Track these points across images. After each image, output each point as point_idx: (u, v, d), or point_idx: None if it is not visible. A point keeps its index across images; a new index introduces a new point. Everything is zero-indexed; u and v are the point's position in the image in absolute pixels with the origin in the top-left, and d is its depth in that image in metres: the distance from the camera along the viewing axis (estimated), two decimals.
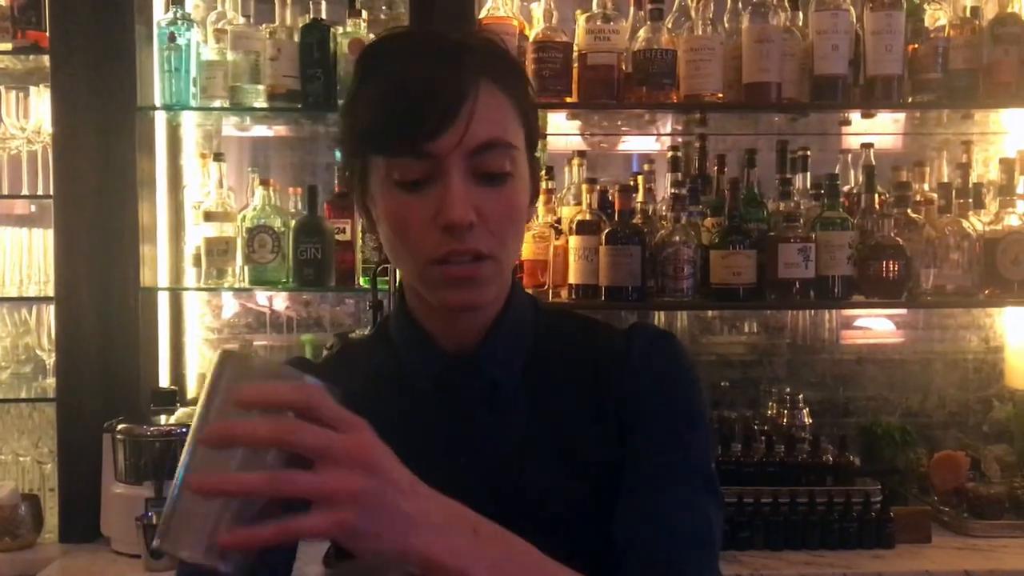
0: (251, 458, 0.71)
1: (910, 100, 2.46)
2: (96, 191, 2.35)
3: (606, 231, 2.38)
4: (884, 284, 2.39)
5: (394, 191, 0.96)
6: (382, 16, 2.68)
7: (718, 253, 2.39)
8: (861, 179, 2.56)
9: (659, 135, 2.85)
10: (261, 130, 2.83)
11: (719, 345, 2.88)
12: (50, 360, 2.49)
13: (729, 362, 2.85)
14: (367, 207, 1.04)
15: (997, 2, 2.47)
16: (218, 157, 2.53)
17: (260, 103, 2.47)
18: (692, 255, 2.38)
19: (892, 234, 2.39)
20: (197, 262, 2.54)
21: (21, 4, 2.40)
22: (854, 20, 2.41)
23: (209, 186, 2.55)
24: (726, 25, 2.47)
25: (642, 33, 2.40)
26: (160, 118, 2.55)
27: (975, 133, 2.74)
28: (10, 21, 2.41)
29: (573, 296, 2.43)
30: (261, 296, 2.82)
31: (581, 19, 2.43)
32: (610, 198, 2.48)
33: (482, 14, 2.41)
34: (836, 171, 2.57)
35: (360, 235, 2.49)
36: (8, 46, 2.42)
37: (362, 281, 2.48)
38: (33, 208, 2.73)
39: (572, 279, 2.43)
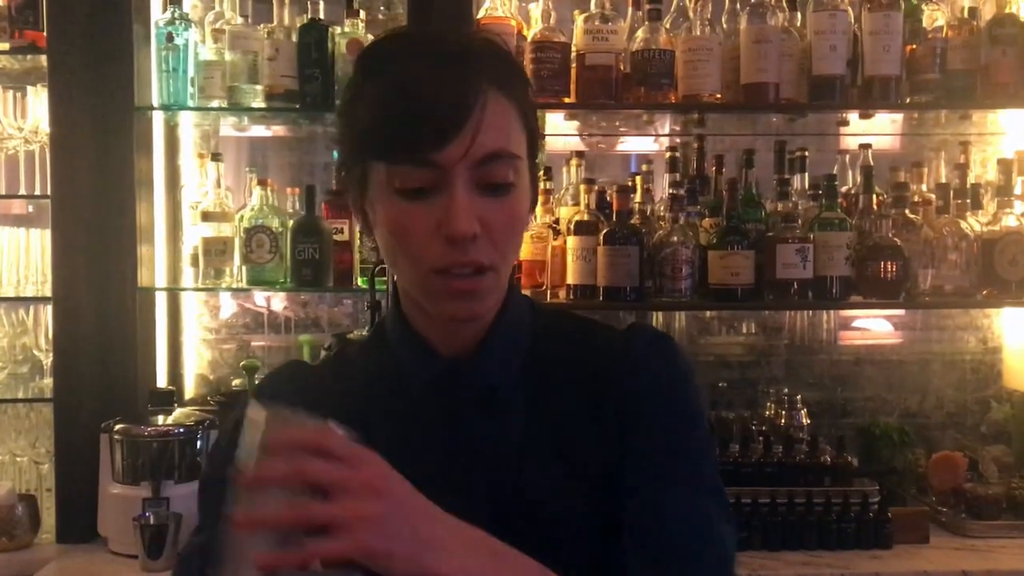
0: (281, 499, 0.80)
1: (908, 101, 2.46)
2: (94, 191, 2.35)
3: (604, 231, 2.38)
4: (882, 284, 2.39)
5: (395, 198, 0.95)
6: (380, 16, 2.68)
7: (716, 253, 2.39)
8: (859, 180, 2.56)
9: (657, 135, 2.85)
10: (259, 130, 2.83)
11: (717, 346, 2.88)
12: (47, 360, 2.48)
13: (727, 363, 2.85)
14: (364, 210, 1.02)
15: (995, 3, 2.47)
16: (216, 157, 2.53)
17: (258, 103, 2.47)
18: (690, 255, 2.38)
19: (890, 235, 2.39)
20: (195, 262, 2.54)
21: (19, 4, 2.40)
22: (852, 21, 2.41)
23: (207, 186, 2.55)
24: (724, 25, 2.47)
25: (640, 33, 2.40)
26: (158, 118, 2.55)
27: (973, 134, 2.74)
28: (8, 21, 2.41)
29: (571, 296, 2.43)
30: (259, 296, 2.82)
31: (579, 19, 2.43)
32: (608, 198, 2.49)
33: (480, 14, 2.41)
34: (834, 172, 2.57)
35: (358, 235, 2.49)
36: (6, 46, 2.42)
37: (360, 281, 2.48)
38: (31, 208, 2.73)
39: (570, 279, 2.43)
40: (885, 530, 2.26)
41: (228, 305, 2.83)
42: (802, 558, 2.21)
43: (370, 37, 2.44)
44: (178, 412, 2.38)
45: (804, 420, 2.55)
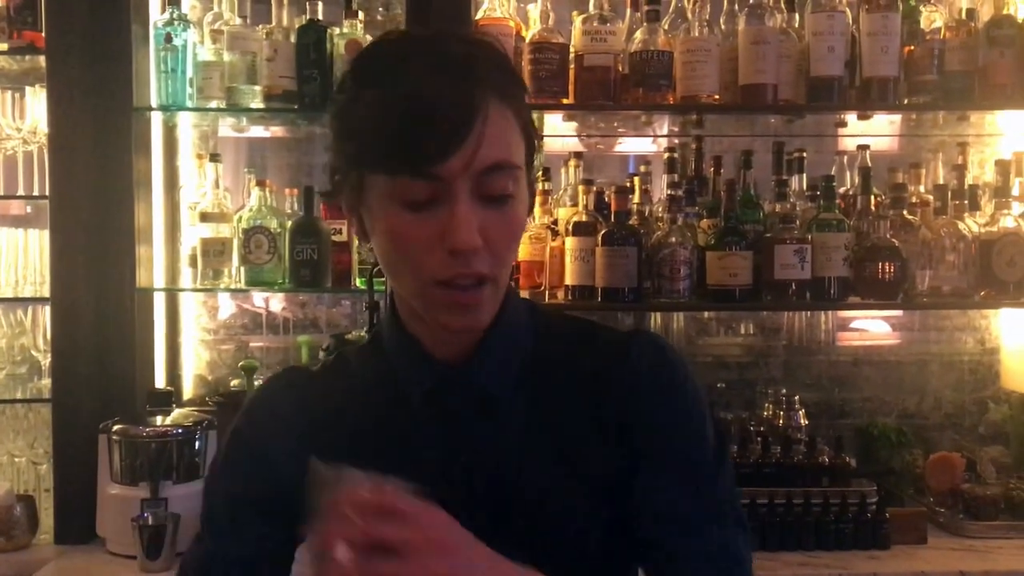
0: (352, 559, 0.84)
1: (906, 102, 2.46)
2: (92, 192, 2.35)
3: (602, 232, 2.38)
4: (880, 285, 2.39)
5: (396, 209, 0.94)
6: (379, 17, 2.68)
7: (714, 254, 2.39)
8: (857, 181, 2.56)
9: (655, 136, 2.86)
10: (257, 131, 2.83)
11: (715, 346, 2.88)
12: (45, 361, 2.48)
13: (725, 363, 2.85)
14: (361, 217, 1.01)
15: (993, 4, 2.48)
16: (214, 158, 2.53)
17: (256, 104, 2.47)
18: (688, 256, 2.38)
19: (888, 235, 2.39)
20: (193, 263, 2.54)
21: (17, 4, 2.40)
22: (850, 22, 2.42)
23: (205, 187, 2.55)
24: (722, 27, 2.47)
25: (638, 34, 2.40)
26: (156, 119, 2.55)
27: (971, 135, 2.75)
28: (6, 21, 2.41)
29: (569, 297, 2.43)
30: (257, 297, 2.82)
31: (577, 20, 2.43)
32: (606, 199, 2.49)
33: (479, 15, 2.41)
34: (832, 173, 2.57)
35: (356, 236, 2.49)
36: (4, 46, 2.42)
37: (358, 282, 2.48)
38: (29, 209, 2.72)
39: (568, 280, 2.44)
40: (883, 530, 2.27)
41: (226, 306, 2.83)
42: (800, 558, 2.22)
43: (368, 38, 2.45)
44: (176, 413, 2.38)
45: (802, 421, 2.55)
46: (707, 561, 1.03)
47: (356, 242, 2.48)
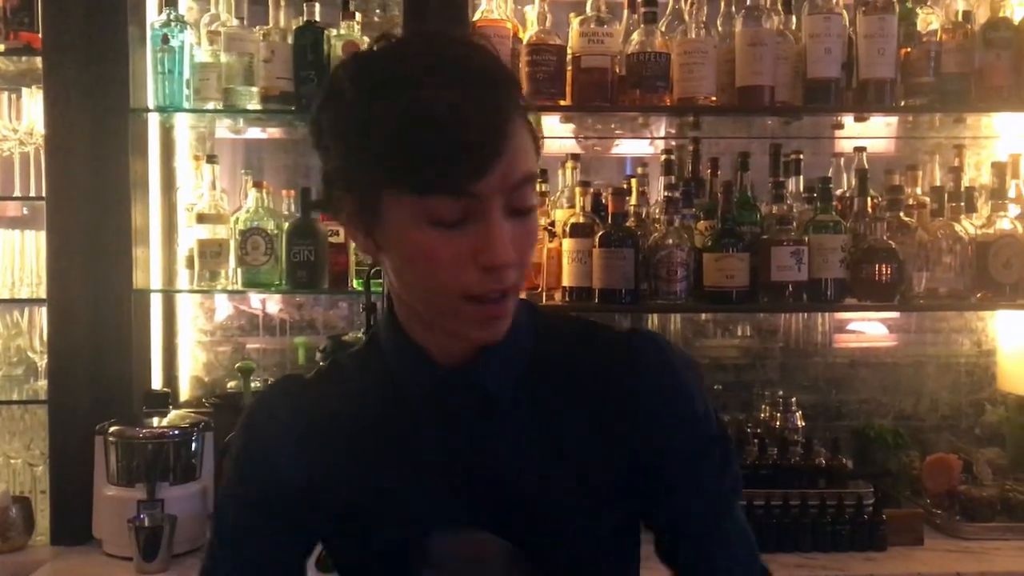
0: None
1: (902, 104, 2.47)
2: (89, 193, 2.34)
3: (599, 234, 2.38)
4: (877, 287, 2.40)
5: (423, 227, 0.91)
6: (375, 19, 2.68)
7: (711, 256, 2.39)
8: (854, 183, 2.57)
9: (653, 138, 2.86)
10: (254, 132, 2.83)
11: (712, 348, 2.89)
12: (42, 362, 2.48)
13: (722, 365, 2.86)
14: (370, 232, 0.98)
15: (989, 6, 2.48)
16: (211, 159, 2.53)
17: (253, 105, 2.47)
18: (685, 258, 2.38)
19: (885, 237, 2.40)
20: (190, 264, 2.54)
21: (14, 5, 2.40)
22: (847, 24, 2.42)
23: (202, 188, 2.55)
24: (719, 28, 2.47)
25: (636, 36, 2.41)
26: (153, 120, 2.55)
27: (967, 137, 2.75)
28: (2, 22, 2.40)
29: (567, 299, 2.43)
30: (254, 299, 2.82)
31: (575, 22, 2.43)
32: (603, 201, 2.49)
33: (476, 16, 2.41)
34: (829, 175, 2.57)
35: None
36: (0, 47, 2.42)
37: (355, 283, 2.48)
38: (26, 210, 2.72)
39: (566, 281, 2.44)
40: (879, 532, 2.27)
41: (223, 307, 2.83)
42: (797, 560, 2.22)
43: (366, 39, 2.45)
44: (173, 414, 2.38)
45: (799, 422, 2.55)
46: (724, 553, 1.10)
47: (353, 244, 2.48)
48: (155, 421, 2.32)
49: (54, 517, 2.34)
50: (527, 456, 1.03)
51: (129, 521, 2.13)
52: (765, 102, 2.40)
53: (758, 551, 1.13)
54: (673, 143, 2.74)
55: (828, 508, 2.28)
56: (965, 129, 2.73)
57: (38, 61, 2.37)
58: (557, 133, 2.76)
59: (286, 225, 2.50)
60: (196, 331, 2.81)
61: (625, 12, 2.51)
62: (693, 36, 2.40)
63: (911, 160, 2.73)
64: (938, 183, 2.64)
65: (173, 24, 2.43)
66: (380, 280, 2.30)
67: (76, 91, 2.33)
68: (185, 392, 2.77)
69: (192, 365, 2.81)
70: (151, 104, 2.46)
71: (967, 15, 2.47)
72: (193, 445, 2.29)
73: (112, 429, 2.25)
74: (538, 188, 2.44)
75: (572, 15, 2.47)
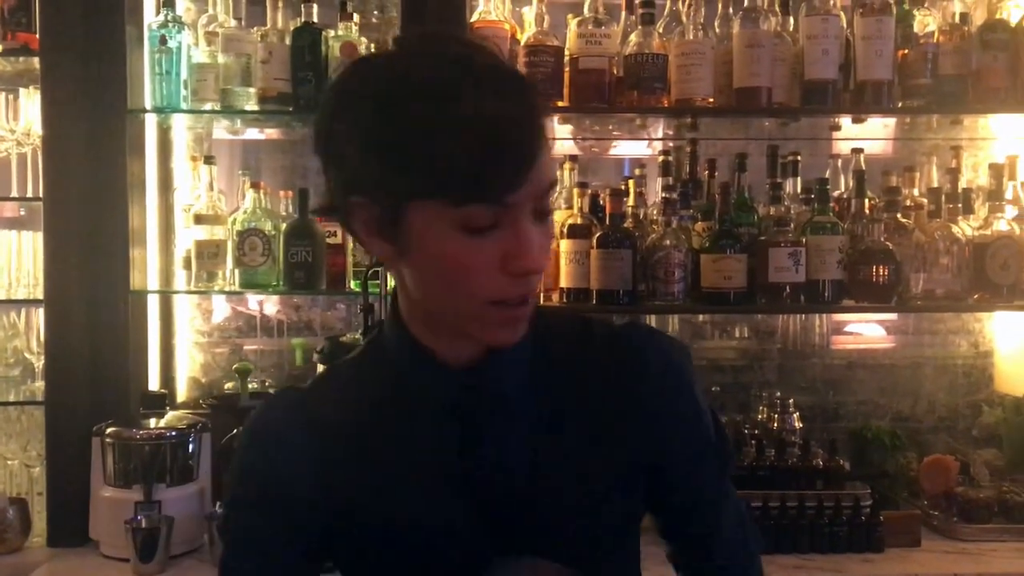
0: None
1: (900, 105, 2.47)
2: (86, 194, 2.34)
3: (597, 235, 2.39)
4: (874, 288, 2.40)
5: (457, 235, 0.91)
6: (373, 20, 2.69)
7: (709, 257, 2.39)
8: (851, 184, 2.57)
9: (650, 139, 2.86)
10: (252, 133, 2.83)
11: (710, 350, 2.89)
12: (39, 363, 2.48)
13: (720, 367, 2.86)
14: (390, 239, 0.96)
15: (986, 8, 2.49)
16: (209, 160, 2.53)
17: (251, 106, 2.47)
18: (683, 259, 2.39)
19: (882, 239, 2.40)
20: (187, 265, 2.54)
21: (11, 6, 2.40)
22: (844, 25, 2.42)
23: (199, 189, 2.54)
24: (717, 30, 2.48)
25: (633, 37, 2.41)
26: (151, 121, 2.55)
27: (964, 139, 2.75)
28: (0, 23, 2.40)
29: (564, 300, 2.43)
30: (252, 300, 2.81)
31: (573, 23, 2.43)
32: (601, 202, 2.49)
33: (473, 18, 2.41)
34: (826, 176, 2.57)
35: (351, 238, 2.48)
36: None
37: (353, 284, 2.48)
38: (23, 211, 2.72)
39: (563, 282, 2.44)
40: (877, 533, 2.27)
41: (221, 308, 2.83)
42: (794, 561, 2.22)
43: (363, 40, 2.45)
44: (170, 415, 2.38)
45: (796, 424, 2.55)
46: (732, 537, 1.18)
47: (351, 244, 2.48)
48: (152, 422, 2.31)
49: (51, 518, 2.33)
50: (534, 455, 1.04)
51: (126, 522, 2.13)
52: (763, 103, 2.40)
53: (750, 521, 1.23)
54: (671, 144, 2.74)
55: (825, 509, 2.28)
56: (962, 131, 2.73)
57: (35, 62, 2.37)
58: (555, 134, 2.75)
59: (284, 226, 2.49)
60: (193, 332, 2.81)
61: (623, 13, 2.51)
62: (691, 37, 2.40)
63: (908, 161, 2.73)
64: (935, 184, 2.64)
65: (171, 25, 2.43)
66: (377, 281, 2.30)
67: (73, 92, 2.32)
68: (182, 393, 2.77)
69: (189, 366, 2.80)
70: (148, 105, 2.45)
71: (964, 17, 2.47)
72: (190, 446, 2.29)
73: (109, 430, 2.25)
74: None
75: (570, 16, 2.47)
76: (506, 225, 0.92)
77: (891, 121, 2.78)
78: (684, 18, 2.44)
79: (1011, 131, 2.72)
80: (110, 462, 2.24)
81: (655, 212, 2.53)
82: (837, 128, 2.69)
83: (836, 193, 2.63)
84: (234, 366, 2.58)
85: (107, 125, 2.35)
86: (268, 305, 2.84)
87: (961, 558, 2.24)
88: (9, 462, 2.48)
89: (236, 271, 2.49)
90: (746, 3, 2.41)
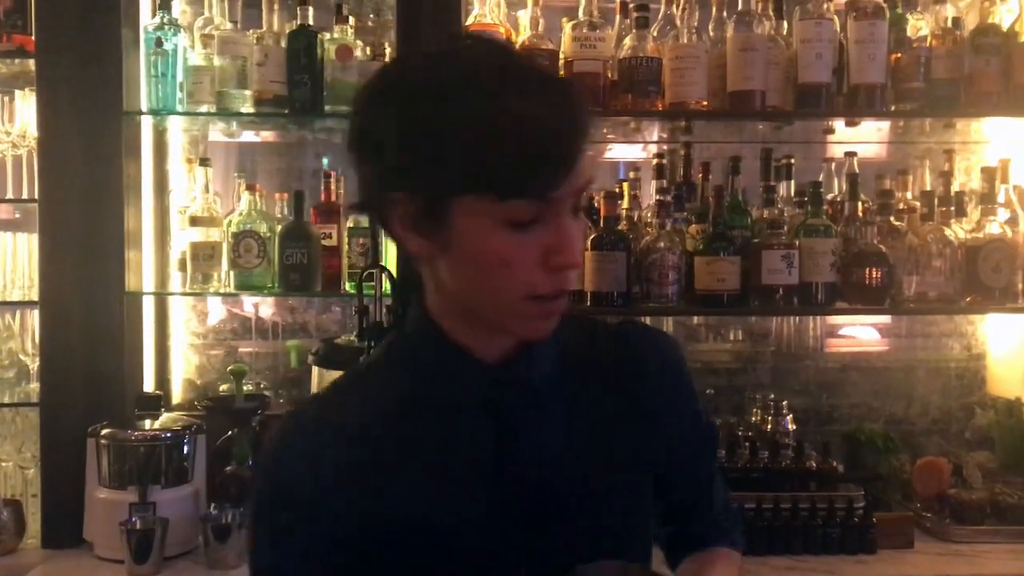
0: None
1: (893, 109, 2.48)
2: (81, 196, 2.34)
3: (592, 237, 2.39)
4: (867, 291, 2.41)
5: (501, 230, 0.93)
6: (369, 23, 2.69)
7: (703, 259, 2.40)
8: (845, 187, 2.58)
9: (645, 142, 2.87)
10: (248, 135, 2.83)
11: (704, 352, 2.89)
12: (34, 365, 2.48)
13: (714, 369, 2.87)
14: (430, 235, 0.97)
15: (978, 13, 2.50)
16: (204, 162, 2.54)
17: (247, 108, 2.47)
18: (677, 261, 2.39)
19: (875, 241, 2.41)
20: (183, 267, 2.54)
21: (7, 8, 2.40)
22: (838, 29, 2.43)
23: (195, 191, 2.55)
24: (711, 33, 2.49)
25: (628, 41, 2.42)
26: (146, 123, 2.55)
27: (957, 142, 2.77)
28: None
29: None
30: (247, 302, 2.82)
31: (567, 27, 2.44)
32: (596, 205, 2.49)
33: (469, 20, 2.42)
34: (820, 179, 2.59)
35: (346, 241, 2.49)
36: None
37: (348, 286, 2.48)
38: (18, 214, 2.72)
39: None
40: (870, 535, 2.28)
41: (216, 310, 2.83)
42: (788, 563, 2.22)
43: (359, 43, 2.46)
44: (165, 417, 2.38)
45: (790, 426, 2.56)
46: (723, 511, 1.28)
47: (346, 246, 2.49)
48: (147, 424, 2.32)
49: (45, 520, 2.33)
50: (564, 447, 1.07)
51: (121, 524, 2.13)
52: (756, 107, 2.41)
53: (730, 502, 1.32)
54: (665, 147, 2.75)
55: (819, 511, 2.29)
56: (955, 134, 2.75)
57: (31, 63, 2.37)
58: None
59: (279, 228, 2.50)
60: (188, 334, 2.81)
61: (617, 17, 2.52)
62: (685, 41, 2.41)
63: (902, 165, 2.75)
64: (928, 188, 2.65)
65: (166, 27, 2.43)
66: (372, 283, 2.30)
67: (69, 94, 2.33)
68: (177, 395, 2.77)
69: (184, 368, 2.80)
70: (144, 107, 2.46)
71: (956, 21, 2.48)
72: (185, 448, 2.29)
73: (104, 432, 2.25)
74: None
75: (565, 20, 2.48)
76: (547, 221, 0.94)
77: (884, 125, 2.79)
78: (678, 22, 2.45)
79: (1003, 135, 2.74)
80: (105, 463, 2.24)
81: (649, 215, 2.53)
82: (831, 131, 2.70)
83: (829, 196, 2.64)
84: (229, 368, 2.59)
85: (103, 127, 2.36)
86: (263, 307, 2.84)
87: (954, 559, 2.25)
88: (3, 464, 2.48)
89: (231, 273, 2.49)
90: (740, 7, 2.42)
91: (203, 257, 2.48)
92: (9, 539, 2.30)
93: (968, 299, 2.47)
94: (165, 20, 2.43)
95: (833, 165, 2.72)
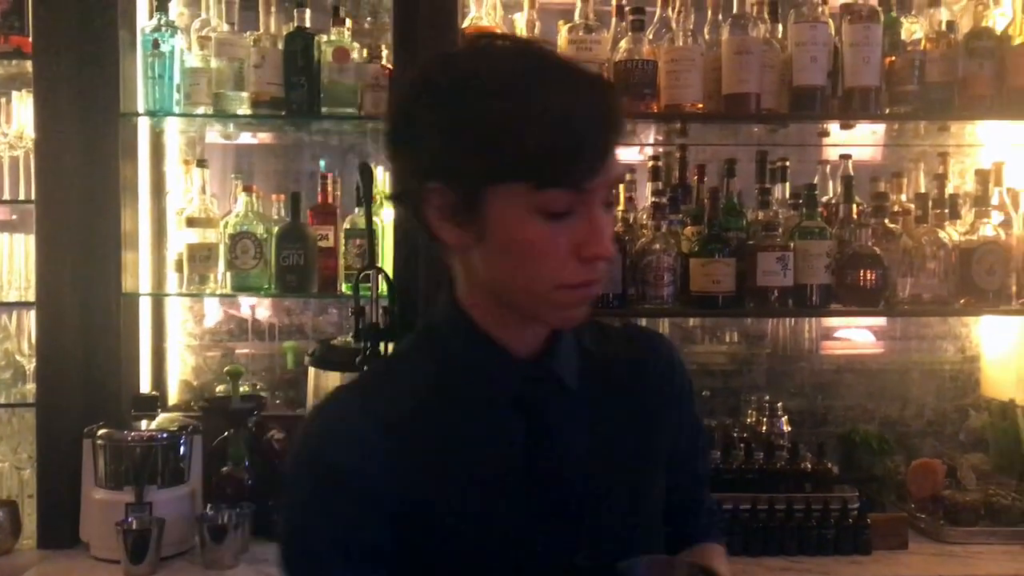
0: None
1: (887, 112, 2.49)
2: (78, 197, 2.35)
3: None
4: (861, 292, 2.42)
5: (535, 220, 0.96)
6: (366, 25, 2.70)
7: (698, 261, 2.41)
8: (839, 189, 2.59)
9: (640, 145, 2.88)
10: (245, 137, 2.84)
11: (700, 354, 2.90)
12: (30, 366, 2.48)
13: (710, 371, 2.87)
14: (465, 224, 0.99)
15: (972, 16, 2.51)
16: (201, 164, 2.54)
17: (244, 110, 2.47)
18: (672, 263, 2.40)
19: (869, 243, 2.42)
20: (179, 268, 2.54)
21: (5, 9, 2.41)
22: (832, 32, 2.44)
23: (192, 192, 2.55)
24: (706, 36, 2.49)
25: (623, 44, 2.42)
26: (143, 124, 2.55)
27: (951, 145, 2.78)
28: None
29: None
30: (244, 303, 2.82)
31: (563, 29, 2.45)
32: None
33: (465, 23, 2.43)
34: (815, 181, 2.59)
35: (343, 242, 2.50)
36: None
37: (344, 287, 2.49)
38: (14, 216, 2.72)
39: None
40: (864, 536, 2.28)
41: (212, 311, 2.84)
42: (782, 563, 2.23)
43: (356, 45, 2.47)
44: (162, 417, 2.38)
45: (785, 428, 2.57)
46: (709, 511, 1.32)
47: (342, 248, 2.49)
48: (143, 424, 2.32)
49: (41, 521, 2.33)
50: (590, 441, 1.09)
51: (117, 524, 2.13)
52: (751, 109, 2.42)
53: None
54: (660, 150, 2.76)
55: (813, 512, 2.29)
56: (949, 137, 2.76)
57: (28, 65, 2.38)
58: None
59: (275, 229, 2.50)
60: (185, 335, 2.81)
61: (613, 20, 2.52)
62: (680, 44, 2.42)
63: (896, 167, 2.75)
64: (923, 190, 2.66)
65: (164, 29, 2.44)
66: (368, 284, 2.30)
67: (66, 95, 2.33)
68: (174, 396, 2.77)
69: (181, 369, 2.81)
70: (141, 108, 2.46)
71: (950, 25, 2.49)
72: (181, 449, 2.29)
73: (100, 432, 2.25)
74: None
75: (560, 22, 2.49)
76: (581, 212, 0.97)
77: (879, 127, 2.80)
78: (674, 24, 2.45)
79: (997, 137, 2.75)
80: (101, 464, 2.25)
81: (645, 217, 2.54)
82: (825, 134, 2.71)
83: (824, 198, 2.65)
84: (225, 369, 2.59)
85: (100, 128, 2.36)
86: (260, 308, 2.85)
87: (948, 560, 2.26)
88: None
89: (228, 274, 2.50)
90: (735, 10, 2.43)
91: (200, 258, 2.49)
92: (5, 540, 2.30)
93: (962, 301, 2.48)
94: (162, 22, 2.44)
95: (828, 167, 2.73)
